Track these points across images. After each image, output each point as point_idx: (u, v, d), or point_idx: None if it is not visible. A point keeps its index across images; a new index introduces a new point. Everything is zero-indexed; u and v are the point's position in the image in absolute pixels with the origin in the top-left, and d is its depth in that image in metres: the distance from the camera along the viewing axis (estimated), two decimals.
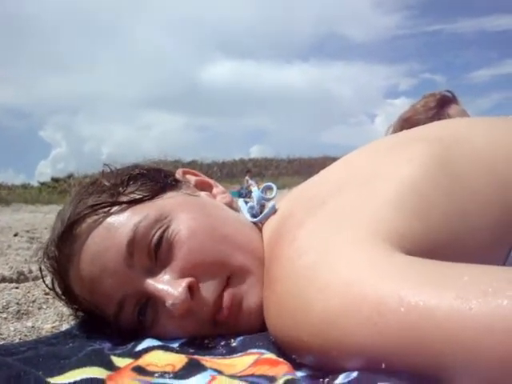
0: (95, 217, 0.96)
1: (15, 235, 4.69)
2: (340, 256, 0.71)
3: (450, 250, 0.75)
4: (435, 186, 0.81)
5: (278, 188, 1.17)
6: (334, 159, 1.10)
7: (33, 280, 1.84)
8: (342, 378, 0.66)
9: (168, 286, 0.91)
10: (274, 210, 1.03)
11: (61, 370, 0.78)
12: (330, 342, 0.67)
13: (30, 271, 1.97)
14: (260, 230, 1.06)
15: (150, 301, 0.94)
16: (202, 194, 1.11)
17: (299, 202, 0.94)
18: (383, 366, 0.62)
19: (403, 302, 0.60)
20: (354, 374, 0.64)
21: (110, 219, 0.96)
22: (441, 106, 2.94)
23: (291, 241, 0.80)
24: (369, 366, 0.63)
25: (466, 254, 0.73)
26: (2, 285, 1.64)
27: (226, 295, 0.92)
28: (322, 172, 1.04)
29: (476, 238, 0.80)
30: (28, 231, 5.46)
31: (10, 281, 1.77)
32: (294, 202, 0.97)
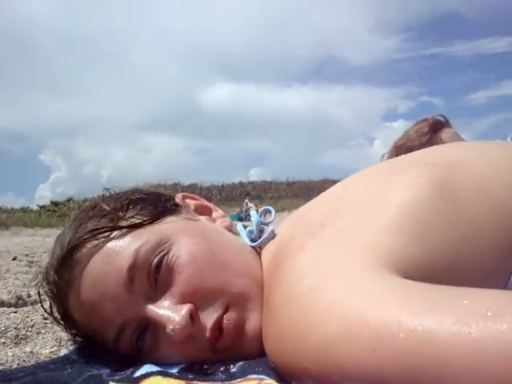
0: (95, 242, 0.96)
1: (14, 259, 4.67)
2: (339, 281, 0.71)
3: (449, 275, 0.75)
4: (434, 212, 0.81)
5: (277, 211, 1.17)
6: (334, 182, 1.10)
7: (31, 304, 1.83)
8: None
9: (169, 311, 0.91)
10: (273, 235, 1.03)
11: None
12: (329, 367, 0.67)
13: (29, 295, 1.96)
14: (259, 254, 1.06)
15: (150, 326, 0.94)
16: (202, 218, 1.12)
17: (298, 226, 0.94)
18: None
19: (402, 327, 0.60)
20: None
21: (110, 244, 0.95)
22: (434, 131, 2.97)
23: (290, 265, 0.80)
24: None
25: (466, 279, 0.73)
26: (1, 309, 1.63)
27: (227, 322, 0.92)
28: (322, 195, 1.04)
29: (476, 263, 0.80)
30: (27, 255, 5.44)
31: (9, 305, 1.76)
32: (294, 226, 0.97)
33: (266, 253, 1.03)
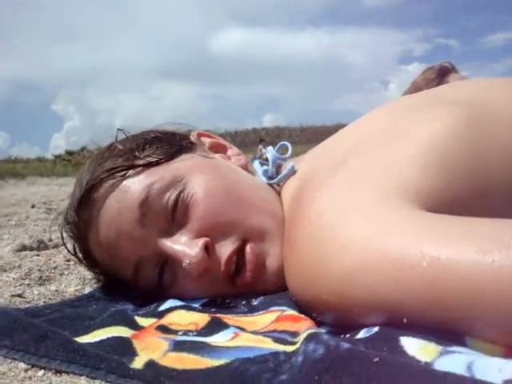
0: (112, 180, 0.97)
1: (32, 207, 4.72)
2: (360, 214, 0.71)
3: (474, 207, 0.74)
4: (458, 143, 0.79)
5: (292, 157, 1.16)
6: None
7: (53, 248, 1.86)
8: (362, 333, 0.67)
9: (185, 246, 0.92)
10: (293, 171, 1.03)
11: (86, 330, 0.80)
12: (349, 299, 0.67)
13: (50, 240, 1.99)
14: (277, 192, 1.06)
15: (168, 262, 0.95)
16: (217, 156, 1.12)
17: (319, 162, 0.93)
18: (405, 321, 0.62)
19: (425, 256, 0.60)
20: (375, 329, 0.65)
21: (125, 182, 0.97)
22: (441, 77, 2.99)
23: (311, 201, 0.80)
24: (390, 321, 0.64)
25: (491, 211, 0.73)
26: (24, 253, 1.66)
27: (248, 256, 0.93)
28: (341, 131, 1.03)
29: (501, 195, 0.79)
30: (45, 203, 5.49)
31: (31, 249, 1.79)
32: (314, 162, 0.97)
33: (287, 190, 1.03)
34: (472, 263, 0.57)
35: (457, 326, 0.59)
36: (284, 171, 1.05)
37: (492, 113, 0.86)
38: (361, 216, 0.71)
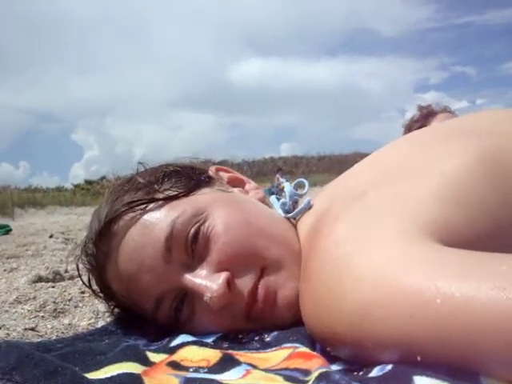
0: (132, 214, 0.97)
1: (50, 237, 4.77)
2: (377, 247, 0.70)
3: (491, 242, 0.73)
4: (475, 178, 0.79)
5: (309, 186, 1.16)
6: (365, 155, 1.08)
7: (69, 279, 1.87)
8: (376, 371, 0.65)
9: (206, 280, 0.92)
10: (309, 206, 1.03)
11: (97, 366, 0.79)
12: (364, 333, 0.66)
13: (66, 271, 2.00)
14: (294, 226, 1.06)
15: (187, 296, 0.95)
16: (236, 190, 1.12)
17: (336, 195, 0.93)
18: (419, 358, 0.61)
19: (439, 293, 0.59)
20: (389, 367, 0.63)
21: (146, 216, 0.97)
22: (425, 118, 3.16)
23: (329, 233, 0.79)
24: (404, 358, 0.63)
25: (506, 246, 0.72)
26: (39, 284, 1.67)
27: (261, 287, 0.92)
28: (357, 165, 1.03)
29: None
30: (63, 233, 5.55)
31: (47, 280, 1.80)
32: (331, 195, 0.96)
33: (303, 224, 1.02)
34: (486, 300, 0.56)
35: (470, 364, 0.58)
36: (301, 205, 1.05)
37: (505, 146, 0.85)
38: (378, 249, 0.70)
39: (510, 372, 0.56)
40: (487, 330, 0.56)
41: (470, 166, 0.80)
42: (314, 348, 0.79)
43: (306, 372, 0.69)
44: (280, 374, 0.70)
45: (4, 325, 1.15)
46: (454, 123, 1.06)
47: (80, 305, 1.39)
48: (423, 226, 0.71)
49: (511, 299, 0.55)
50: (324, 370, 0.64)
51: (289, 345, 0.82)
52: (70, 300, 1.41)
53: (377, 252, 0.69)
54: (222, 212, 0.98)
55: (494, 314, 0.56)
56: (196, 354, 0.81)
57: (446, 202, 0.75)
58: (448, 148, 0.87)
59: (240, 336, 0.92)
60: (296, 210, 1.05)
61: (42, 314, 1.28)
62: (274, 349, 0.84)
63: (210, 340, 0.91)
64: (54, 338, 1.08)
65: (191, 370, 0.76)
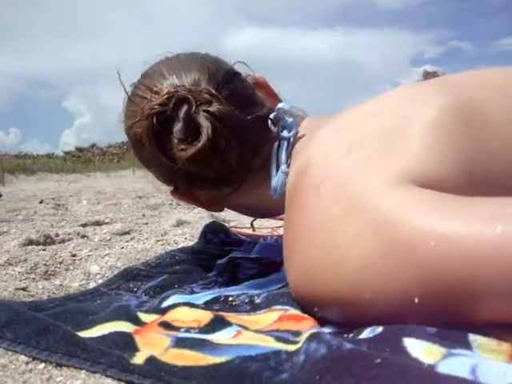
0: None
1: (41, 202, 4.75)
2: (368, 202, 0.70)
3: (477, 187, 0.73)
4: (460, 128, 0.79)
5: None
6: None
7: (59, 243, 1.87)
8: (366, 332, 0.66)
9: None
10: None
11: (89, 325, 0.80)
12: (362, 284, 0.67)
13: (57, 235, 2.00)
14: None
15: None
16: None
17: (323, 149, 0.90)
18: (416, 300, 0.61)
19: (432, 235, 0.60)
20: (379, 329, 0.64)
21: None
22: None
23: (318, 193, 0.79)
24: (402, 303, 0.63)
25: (492, 192, 0.72)
26: (30, 247, 1.66)
27: None
28: (345, 118, 1.00)
29: (501, 176, 0.78)
30: (53, 198, 5.52)
31: (38, 244, 1.79)
32: (317, 148, 0.93)
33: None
34: (478, 235, 0.58)
35: (466, 304, 0.59)
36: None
37: (487, 97, 0.85)
38: (374, 202, 0.70)
39: (507, 301, 0.57)
40: (481, 263, 0.57)
41: (445, 114, 0.80)
42: (304, 311, 0.79)
43: (297, 333, 0.70)
44: (271, 335, 0.71)
45: None
46: (434, 80, 1.05)
47: (71, 268, 1.39)
48: (412, 176, 0.71)
49: (504, 231, 0.56)
50: (315, 330, 0.64)
51: (279, 307, 0.83)
52: (61, 263, 1.41)
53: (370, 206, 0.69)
54: None
55: (486, 247, 0.57)
56: (187, 315, 0.82)
57: (433, 152, 0.75)
58: (424, 100, 0.86)
59: (230, 299, 0.93)
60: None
61: (32, 275, 1.28)
62: (264, 311, 0.84)
63: (200, 302, 0.92)
64: (46, 298, 1.08)
65: (182, 330, 0.77)
